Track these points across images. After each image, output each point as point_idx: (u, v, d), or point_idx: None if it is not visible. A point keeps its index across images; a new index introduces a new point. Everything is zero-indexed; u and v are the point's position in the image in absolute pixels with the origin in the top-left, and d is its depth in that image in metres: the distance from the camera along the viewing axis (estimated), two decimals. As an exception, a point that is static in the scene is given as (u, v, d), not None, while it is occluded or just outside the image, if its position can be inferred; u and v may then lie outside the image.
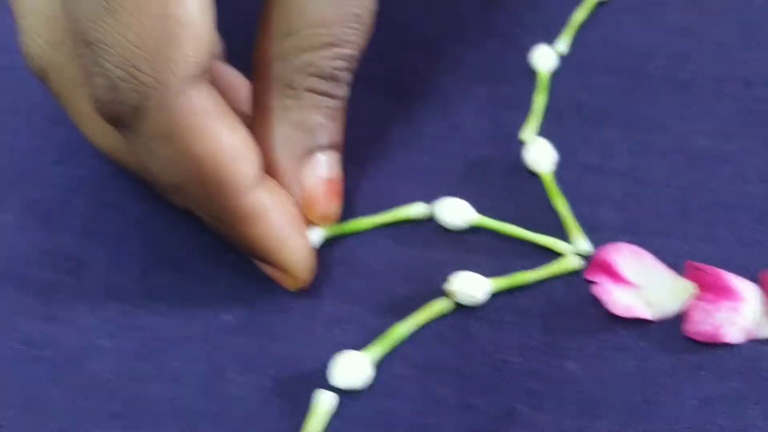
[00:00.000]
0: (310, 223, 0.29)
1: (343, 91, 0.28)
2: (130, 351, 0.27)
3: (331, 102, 0.28)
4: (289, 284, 0.29)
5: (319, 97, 0.27)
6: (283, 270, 0.28)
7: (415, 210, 0.31)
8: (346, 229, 0.31)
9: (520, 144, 0.33)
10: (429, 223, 0.31)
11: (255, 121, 0.28)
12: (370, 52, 0.36)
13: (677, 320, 0.28)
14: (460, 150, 0.33)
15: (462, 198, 0.31)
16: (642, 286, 0.29)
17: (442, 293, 0.29)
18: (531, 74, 0.35)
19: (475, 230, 0.31)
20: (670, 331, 0.28)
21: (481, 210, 0.31)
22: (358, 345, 0.28)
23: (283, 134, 0.27)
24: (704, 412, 0.26)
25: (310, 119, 0.27)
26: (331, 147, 0.29)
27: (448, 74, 0.35)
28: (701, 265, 0.28)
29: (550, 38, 0.36)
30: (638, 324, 0.28)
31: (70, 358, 0.27)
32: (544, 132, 0.33)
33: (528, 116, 0.34)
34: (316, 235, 0.29)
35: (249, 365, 0.27)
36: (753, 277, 0.29)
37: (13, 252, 0.30)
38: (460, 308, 0.29)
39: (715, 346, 0.27)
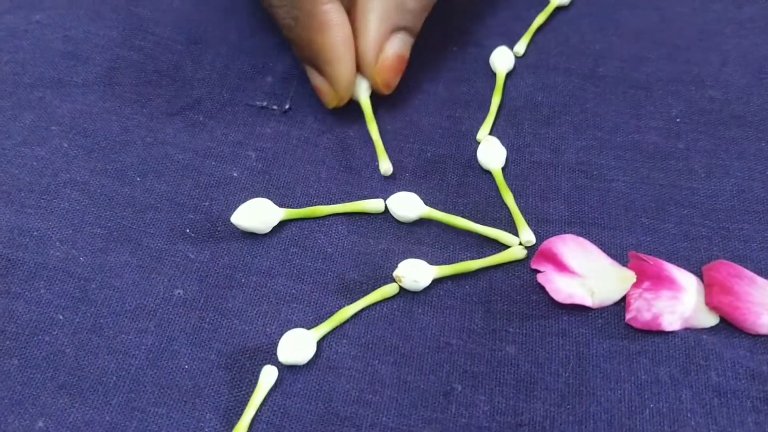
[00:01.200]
0: (375, 85, 0.34)
1: None
2: (84, 325, 0.28)
3: None
4: (330, 98, 0.34)
5: None
6: (332, 81, 0.33)
7: (372, 205, 0.32)
8: (304, 214, 0.31)
9: (477, 142, 0.34)
10: (383, 215, 0.32)
11: None
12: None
13: (618, 308, 0.29)
14: (417, 148, 0.34)
15: (416, 193, 0.32)
16: (585, 275, 0.29)
17: (391, 280, 0.30)
18: (490, 75, 0.36)
19: (425, 223, 0.31)
20: (610, 318, 0.29)
21: (434, 204, 0.32)
22: (306, 323, 0.28)
23: (382, 7, 0.32)
24: (639, 396, 0.27)
25: (408, 2, 0.33)
26: (412, 31, 0.34)
27: (409, 74, 0.36)
28: (643, 256, 0.29)
29: (510, 41, 0.37)
30: (580, 311, 0.29)
31: (26, 331, 0.28)
32: (499, 130, 0.34)
33: (485, 115, 0.35)
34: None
35: (198, 339, 0.28)
36: (697, 271, 0.29)
37: (-24, 229, 0.31)
38: (405, 293, 0.29)
39: (653, 334, 0.28)
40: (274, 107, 0.35)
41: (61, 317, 0.28)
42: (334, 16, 0.31)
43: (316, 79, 0.33)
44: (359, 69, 0.33)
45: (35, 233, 0.30)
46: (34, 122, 0.34)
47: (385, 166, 0.32)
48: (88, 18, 0.38)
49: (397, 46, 0.33)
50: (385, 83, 0.34)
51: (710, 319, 0.28)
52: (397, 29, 0.33)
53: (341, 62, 0.32)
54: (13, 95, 0.35)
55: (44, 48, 0.36)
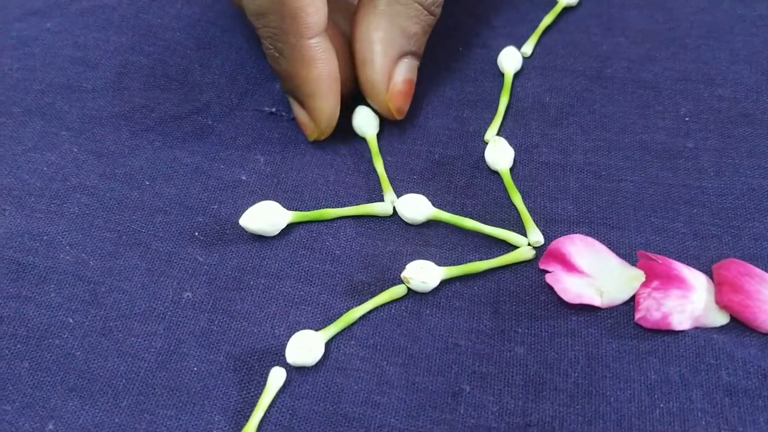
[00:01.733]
0: (388, 112, 0.34)
1: (439, 10, 0.34)
2: (94, 328, 0.28)
3: (430, 18, 0.33)
4: (311, 131, 0.34)
5: (424, 11, 0.33)
6: (314, 116, 0.33)
7: (380, 207, 0.32)
8: (313, 217, 0.32)
9: (484, 143, 0.34)
10: (391, 217, 0.32)
11: (358, 16, 0.33)
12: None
13: (627, 308, 0.29)
14: (425, 149, 0.34)
15: (425, 195, 0.32)
16: (594, 275, 0.29)
17: (399, 281, 0.30)
18: (497, 76, 0.36)
19: (434, 224, 0.31)
20: (620, 318, 0.28)
21: (442, 206, 0.32)
22: (314, 325, 0.28)
23: (386, 35, 0.32)
24: (649, 396, 0.26)
25: (411, 27, 0.33)
26: (417, 54, 0.34)
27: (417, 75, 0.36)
28: (653, 255, 0.29)
29: (517, 42, 0.37)
30: (588, 311, 0.29)
31: (37, 334, 0.28)
32: (507, 131, 0.34)
33: (493, 116, 0.35)
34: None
35: (206, 341, 0.28)
36: (707, 270, 0.29)
37: (-12, 235, 0.31)
38: (414, 294, 0.29)
39: (662, 333, 0.28)
40: (283, 114, 0.35)
41: (71, 320, 0.28)
42: (319, 50, 0.31)
43: (299, 112, 0.33)
44: (369, 98, 0.34)
45: (45, 237, 0.31)
46: (44, 128, 0.34)
47: (390, 198, 0.32)
48: (97, 25, 0.38)
49: (406, 72, 0.33)
50: (398, 110, 0.34)
51: (720, 318, 0.28)
52: (403, 55, 0.33)
53: (324, 97, 0.32)
54: (24, 101, 0.35)
55: (54, 55, 0.37)
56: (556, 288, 0.29)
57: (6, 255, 0.30)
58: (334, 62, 0.31)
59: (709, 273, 0.29)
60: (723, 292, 0.28)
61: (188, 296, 0.29)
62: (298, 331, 0.28)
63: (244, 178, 0.33)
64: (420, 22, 0.33)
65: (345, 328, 0.28)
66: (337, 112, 0.33)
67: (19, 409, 0.26)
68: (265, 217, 0.30)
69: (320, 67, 0.31)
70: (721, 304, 0.28)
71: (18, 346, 0.28)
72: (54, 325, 0.28)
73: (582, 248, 0.30)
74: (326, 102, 0.32)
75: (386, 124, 0.35)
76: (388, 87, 0.33)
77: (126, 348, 0.28)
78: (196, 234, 0.31)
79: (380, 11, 0.32)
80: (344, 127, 0.34)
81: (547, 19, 0.38)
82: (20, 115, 0.34)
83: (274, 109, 0.35)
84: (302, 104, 0.33)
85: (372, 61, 0.32)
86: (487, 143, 0.34)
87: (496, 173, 0.33)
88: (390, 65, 0.33)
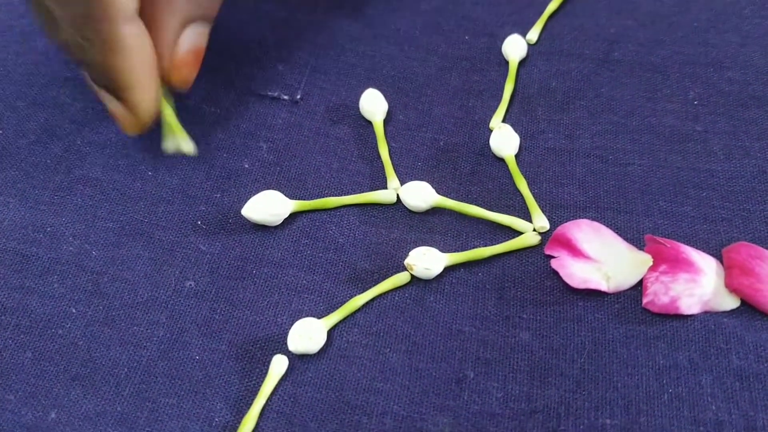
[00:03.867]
0: (171, 83, 0.31)
1: None
2: (96, 317, 0.28)
3: None
4: (130, 124, 0.30)
5: None
6: (131, 108, 0.29)
7: (383, 195, 0.31)
8: (315, 206, 0.31)
9: (490, 130, 0.34)
10: (395, 205, 0.32)
11: None
12: (346, 45, 0.37)
13: (635, 293, 0.28)
14: (430, 136, 0.34)
15: (430, 182, 0.31)
16: (600, 260, 0.29)
17: (403, 270, 0.29)
18: (503, 64, 0.36)
19: (438, 211, 0.31)
20: (627, 303, 0.28)
21: (447, 193, 0.31)
22: (317, 314, 0.28)
23: (171, 1, 0.29)
24: (657, 381, 0.26)
25: None
26: (208, 18, 0.31)
27: (422, 65, 0.36)
28: (660, 239, 0.29)
29: (523, 29, 0.37)
30: (595, 296, 0.28)
31: (40, 325, 0.28)
32: (512, 117, 0.34)
33: (498, 104, 0.34)
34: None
35: (209, 330, 0.28)
36: (717, 254, 0.29)
37: (-8, 226, 0.31)
38: (417, 281, 0.29)
39: (671, 318, 0.27)
40: (285, 97, 0.35)
41: (74, 310, 0.28)
42: (134, 38, 0.27)
43: (113, 105, 0.30)
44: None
45: (49, 229, 0.31)
46: (48, 120, 0.34)
47: (394, 185, 0.32)
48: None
49: (192, 40, 0.30)
50: (182, 81, 0.31)
51: (731, 302, 0.28)
52: (190, 20, 0.30)
53: (142, 88, 0.29)
54: (28, 95, 0.35)
55: (57, 48, 0.37)
56: (562, 273, 0.28)
57: (10, 246, 0.30)
58: (149, 48, 0.28)
59: (719, 257, 0.29)
60: (733, 275, 0.28)
61: (191, 285, 0.29)
62: (299, 318, 0.28)
63: (246, 166, 0.33)
64: None
65: (348, 316, 0.28)
66: (159, 102, 0.30)
67: (22, 398, 0.26)
68: (268, 207, 0.30)
69: (136, 55, 0.28)
70: (731, 288, 0.28)
71: (21, 336, 0.28)
72: (57, 315, 0.28)
73: (588, 233, 0.29)
74: (145, 92, 0.29)
75: (391, 110, 0.35)
76: (171, 56, 0.30)
77: (128, 337, 0.28)
78: (199, 223, 0.31)
79: None
80: (349, 113, 0.34)
81: (553, 5, 0.38)
82: (24, 108, 0.35)
83: (276, 94, 0.35)
84: (118, 97, 0.29)
85: (158, 31, 0.29)
86: (492, 130, 0.33)
87: (501, 160, 0.33)
88: (175, 34, 0.30)
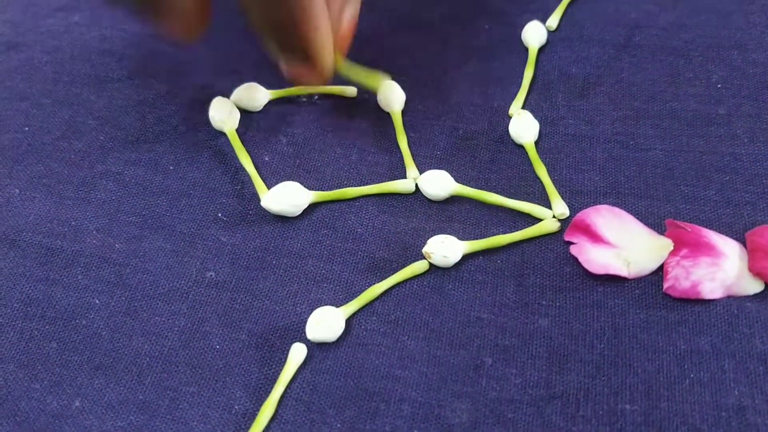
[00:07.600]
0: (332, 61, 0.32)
1: None
2: (119, 308, 0.29)
3: None
4: (317, 76, 0.31)
5: None
6: (318, 68, 0.31)
7: (402, 185, 0.31)
8: (334, 196, 0.31)
9: (509, 118, 0.33)
10: (413, 194, 0.32)
11: None
12: (364, 34, 0.37)
13: (656, 278, 0.28)
14: (449, 125, 0.34)
15: (449, 171, 0.31)
16: (620, 245, 0.28)
17: (421, 258, 0.29)
18: (523, 51, 0.36)
19: (457, 200, 0.31)
20: (647, 288, 0.28)
21: (467, 181, 0.31)
22: (336, 303, 0.28)
23: None
24: (679, 367, 0.26)
25: None
26: None
27: (441, 53, 0.36)
28: (681, 223, 0.28)
29: (542, 16, 0.37)
30: (615, 282, 0.28)
31: (64, 315, 0.29)
32: (532, 104, 0.34)
33: (518, 92, 0.34)
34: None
35: (229, 320, 0.28)
36: (741, 238, 0.28)
37: (18, 221, 0.32)
38: (436, 269, 0.29)
39: (692, 303, 0.27)
40: (303, 99, 0.35)
41: (97, 301, 0.29)
42: (323, 12, 0.29)
43: (293, 66, 0.31)
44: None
45: (73, 223, 0.31)
46: (72, 117, 0.35)
47: (413, 175, 0.32)
48: (122, 17, 0.39)
49: (351, 15, 0.32)
50: (343, 50, 0.32)
51: (754, 286, 0.27)
52: None
53: (329, 53, 0.30)
54: (53, 93, 0.36)
55: (82, 47, 0.38)
56: (581, 259, 0.28)
57: (35, 240, 0.31)
58: (329, 21, 0.30)
59: (743, 241, 0.28)
60: (757, 258, 0.27)
61: (211, 276, 0.29)
62: (317, 307, 0.28)
63: (266, 158, 0.33)
64: None
65: (366, 305, 0.28)
66: (335, 62, 0.31)
67: (47, 387, 0.27)
68: (287, 197, 0.30)
69: (324, 27, 0.29)
70: (755, 272, 0.27)
71: (47, 326, 0.28)
72: (81, 306, 0.29)
73: (609, 218, 0.29)
74: (330, 56, 0.30)
75: (410, 100, 0.35)
76: (336, 29, 0.31)
77: (150, 327, 0.28)
78: (220, 215, 0.31)
79: None
80: (366, 105, 0.34)
81: (573, -9, 0.37)
82: (49, 105, 0.35)
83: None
84: (304, 61, 0.30)
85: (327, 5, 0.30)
86: (511, 117, 0.33)
87: (520, 147, 0.32)
88: (338, 8, 0.31)
